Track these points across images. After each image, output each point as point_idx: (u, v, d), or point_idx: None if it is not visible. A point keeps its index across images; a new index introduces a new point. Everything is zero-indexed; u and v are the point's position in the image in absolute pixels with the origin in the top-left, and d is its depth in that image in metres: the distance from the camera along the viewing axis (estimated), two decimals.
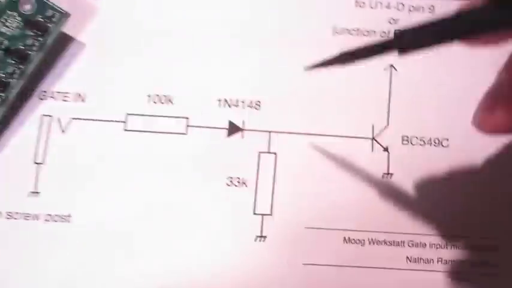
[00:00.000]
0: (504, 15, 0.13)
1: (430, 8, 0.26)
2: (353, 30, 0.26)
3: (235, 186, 0.25)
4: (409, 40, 0.15)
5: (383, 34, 0.26)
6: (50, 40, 0.25)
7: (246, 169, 0.25)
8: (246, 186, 0.25)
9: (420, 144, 0.25)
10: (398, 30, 0.15)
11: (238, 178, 0.25)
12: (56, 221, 0.24)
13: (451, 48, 0.15)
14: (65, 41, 0.26)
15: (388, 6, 0.26)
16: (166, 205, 0.24)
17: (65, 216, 0.24)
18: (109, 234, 0.24)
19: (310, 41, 0.26)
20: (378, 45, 0.16)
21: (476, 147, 0.25)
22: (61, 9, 0.25)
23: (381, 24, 0.26)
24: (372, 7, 0.26)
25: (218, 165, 0.25)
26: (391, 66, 0.25)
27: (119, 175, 0.24)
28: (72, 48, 0.26)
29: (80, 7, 0.26)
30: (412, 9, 0.26)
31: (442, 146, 0.25)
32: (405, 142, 0.25)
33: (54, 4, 0.25)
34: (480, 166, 0.25)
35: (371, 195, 0.24)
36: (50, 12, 0.25)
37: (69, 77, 0.26)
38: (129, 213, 0.24)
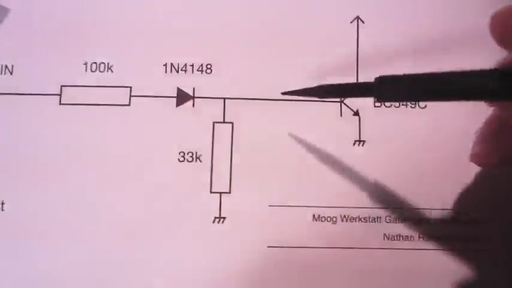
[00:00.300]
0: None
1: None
2: None
3: (188, 162, 0.22)
4: (388, 90, 0.15)
5: None
6: None
7: (199, 142, 0.22)
8: (200, 161, 0.22)
9: (395, 106, 0.22)
10: (379, 77, 0.15)
11: (191, 153, 0.22)
12: None
13: None
14: None
15: None
16: (109, 188, 0.21)
17: None
18: (44, 223, 0.21)
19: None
20: (357, 88, 0.17)
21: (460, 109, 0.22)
22: None
23: None
24: None
25: (167, 139, 0.22)
26: (358, 18, 0.22)
27: (55, 156, 0.21)
28: None
29: None
30: None
31: (420, 107, 0.22)
32: (378, 104, 0.22)
33: None
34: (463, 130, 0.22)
35: (341, 166, 0.21)
36: None
37: None
38: (68, 201, 0.21)
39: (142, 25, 0.22)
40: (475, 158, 0.17)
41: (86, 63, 0.22)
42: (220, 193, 0.21)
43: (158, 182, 0.21)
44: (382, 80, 0.15)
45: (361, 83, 0.16)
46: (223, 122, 0.22)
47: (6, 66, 0.22)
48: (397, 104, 0.22)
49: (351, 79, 0.22)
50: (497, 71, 0.14)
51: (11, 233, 0.21)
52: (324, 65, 0.22)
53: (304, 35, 0.22)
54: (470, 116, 0.21)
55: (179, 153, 0.22)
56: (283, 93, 0.20)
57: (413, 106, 0.22)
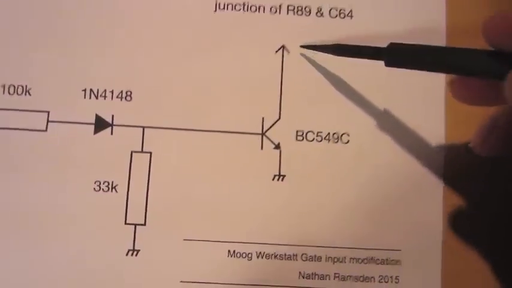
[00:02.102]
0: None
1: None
2: (238, 5, 0.22)
3: (104, 191, 0.21)
4: (397, 55, 0.17)
5: (273, 9, 0.22)
6: None
7: (116, 171, 0.21)
8: (116, 191, 0.21)
9: (317, 141, 0.21)
10: (391, 43, 0.17)
11: (107, 182, 0.21)
12: None
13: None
14: None
15: None
16: (22, 214, 0.20)
17: None
18: None
19: (191, 19, 0.22)
20: (370, 50, 0.18)
21: (382, 144, 0.21)
22: None
23: None
24: None
25: (84, 167, 0.21)
26: (283, 47, 0.22)
27: None
28: None
29: None
30: None
31: (342, 142, 0.21)
32: (300, 138, 0.21)
33: None
34: (384, 166, 0.21)
35: (260, 201, 0.21)
36: None
37: None
38: None
39: (63, 49, 0.22)
40: (472, 147, 0.18)
41: (3, 85, 0.21)
42: (135, 225, 0.21)
43: (72, 212, 0.21)
44: (393, 46, 0.17)
45: (374, 47, 0.18)
46: (142, 151, 0.21)
47: None
48: (319, 138, 0.21)
49: (274, 107, 0.21)
50: (495, 52, 0.15)
51: None
52: (247, 95, 0.21)
53: (226, 64, 0.22)
54: (391, 151, 0.21)
55: (95, 183, 0.21)
56: (302, 46, 0.21)
57: (335, 141, 0.21)
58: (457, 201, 0.21)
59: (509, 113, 0.17)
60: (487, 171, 0.21)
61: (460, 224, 0.21)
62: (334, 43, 0.20)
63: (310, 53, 0.21)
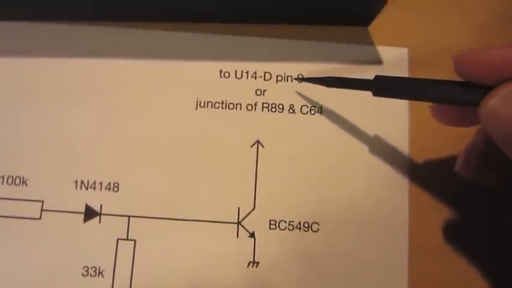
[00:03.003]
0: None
1: (298, 76, 0.24)
2: (217, 103, 0.24)
3: (91, 276, 0.23)
4: (383, 86, 0.19)
5: (249, 107, 0.24)
6: None
7: (103, 258, 0.23)
8: (103, 276, 0.22)
9: (289, 229, 0.23)
10: (377, 75, 0.19)
11: (95, 268, 0.23)
12: None
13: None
14: None
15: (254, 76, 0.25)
16: None
17: None
18: None
19: (174, 116, 0.24)
20: (359, 82, 0.20)
21: (350, 232, 0.23)
22: None
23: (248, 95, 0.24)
24: (237, 78, 0.25)
25: (73, 253, 0.23)
26: (258, 142, 0.23)
27: None
28: None
29: None
30: (279, 78, 0.24)
31: (312, 230, 0.23)
32: (273, 227, 0.23)
33: None
34: (353, 252, 0.23)
35: (235, 287, 0.22)
36: None
37: None
38: None
39: (57, 144, 0.24)
40: (456, 171, 0.20)
41: (3, 176, 0.24)
42: None
43: None
44: (379, 78, 0.19)
45: (362, 79, 0.20)
46: (127, 239, 0.23)
47: None
48: (290, 227, 0.23)
49: (249, 198, 0.23)
50: (468, 83, 0.17)
51: None
52: (224, 187, 0.23)
53: (206, 157, 0.23)
54: (361, 238, 0.22)
55: (83, 268, 0.23)
56: (303, 80, 0.24)
57: (305, 230, 0.23)
58: None
59: (484, 132, 0.19)
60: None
61: None
62: (326, 76, 0.23)
63: None
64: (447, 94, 0.17)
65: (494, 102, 0.16)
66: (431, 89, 0.18)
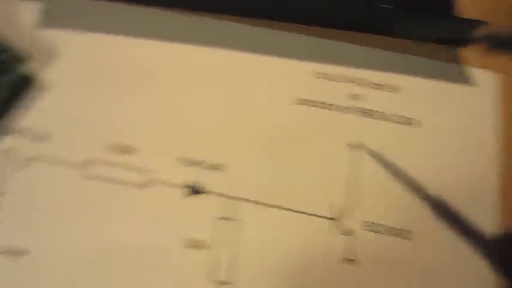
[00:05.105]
0: None
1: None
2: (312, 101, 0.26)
3: (196, 248, 0.24)
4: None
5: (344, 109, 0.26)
6: None
7: (204, 233, 0.24)
8: (208, 248, 0.23)
9: (382, 233, 0.24)
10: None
11: (197, 241, 0.24)
12: None
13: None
14: None
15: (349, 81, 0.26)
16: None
17: None
18: None
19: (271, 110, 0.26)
20: None
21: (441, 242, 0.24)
22: None
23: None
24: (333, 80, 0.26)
25: (176, 224, 0.24)
26: (358, 145, 0.25)
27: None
28: None
29: None
30: (373, 86, 0.26)
31: (404, 237, 0.24)
32: (367, 228, 0.24)
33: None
34: (445, 263, 0.24)
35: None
36: None
37: None
38: None
39: (173, 122, 0.25)
40: None
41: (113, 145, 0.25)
42: None
43: None
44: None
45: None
46: (228, 219, 0.24)
47: None
48: (384, 229, 0.24)
49: (348, 196, 0.24)
50: None
51: None
52: (320, 181, 0.24)
53: (305, 151, 0.25)
54: (453, 253, 0.23)
55: (184, 240, 0.24)
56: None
57: (399, 236, 0.24)
58: None
59: None
60: None
61: None
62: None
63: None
64: None
65: None
66: None
